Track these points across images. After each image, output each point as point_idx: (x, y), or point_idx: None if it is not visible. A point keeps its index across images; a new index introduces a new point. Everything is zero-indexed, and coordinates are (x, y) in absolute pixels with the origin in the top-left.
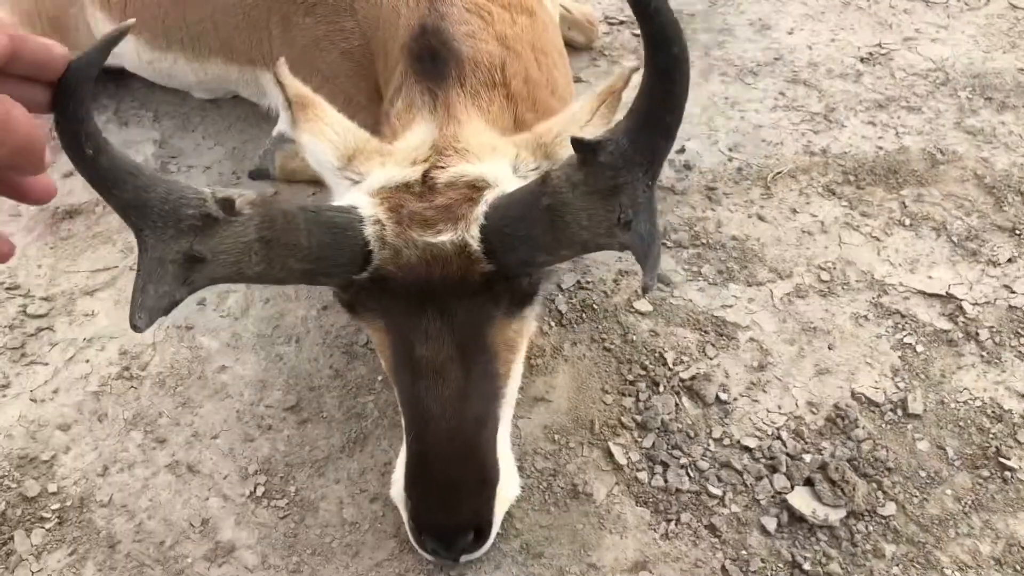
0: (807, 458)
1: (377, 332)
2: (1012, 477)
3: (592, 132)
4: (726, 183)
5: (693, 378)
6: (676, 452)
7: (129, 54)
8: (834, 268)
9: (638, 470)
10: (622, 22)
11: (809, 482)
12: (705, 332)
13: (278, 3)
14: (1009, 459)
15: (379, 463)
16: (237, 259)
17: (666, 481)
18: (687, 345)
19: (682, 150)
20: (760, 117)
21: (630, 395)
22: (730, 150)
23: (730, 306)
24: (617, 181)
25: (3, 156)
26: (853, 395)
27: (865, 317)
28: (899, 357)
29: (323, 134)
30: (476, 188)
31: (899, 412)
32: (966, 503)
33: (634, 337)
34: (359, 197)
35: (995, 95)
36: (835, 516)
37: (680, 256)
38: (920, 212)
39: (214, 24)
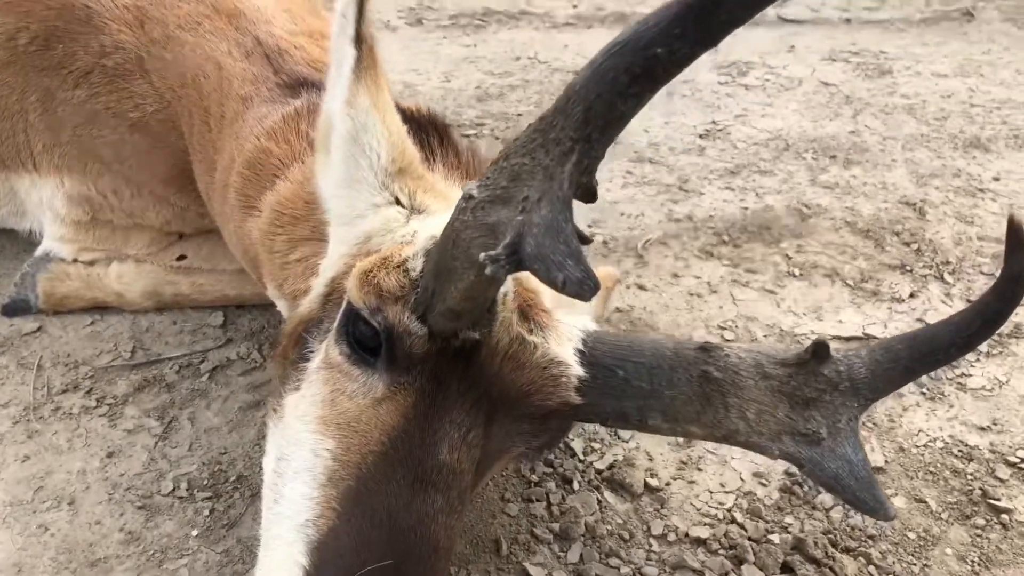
0: (775, 539)
1: (383, 410)
2: (1011, 520)
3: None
4: (592, 257)
5: (611, 467)
6: (613, 560)
7: None
8: (735, 326)
9: None
10: None
11: (787, 568)
12: None
13: (35, 76)
14: (999, 500)
15: None
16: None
17: None
18: (594, 429)
19: None
20: (613, 194)
21: (539, 500)
22: (590, 226)
23: None
24: (822, 397)
25: None
26: None
27: None
28: None
29: (383, 113)
30: (530, 293)
31: None
32: (972, 560)
33: None
34: None
35: (838, 154)
36: None
37: None
38: (807, 261)
39: None
